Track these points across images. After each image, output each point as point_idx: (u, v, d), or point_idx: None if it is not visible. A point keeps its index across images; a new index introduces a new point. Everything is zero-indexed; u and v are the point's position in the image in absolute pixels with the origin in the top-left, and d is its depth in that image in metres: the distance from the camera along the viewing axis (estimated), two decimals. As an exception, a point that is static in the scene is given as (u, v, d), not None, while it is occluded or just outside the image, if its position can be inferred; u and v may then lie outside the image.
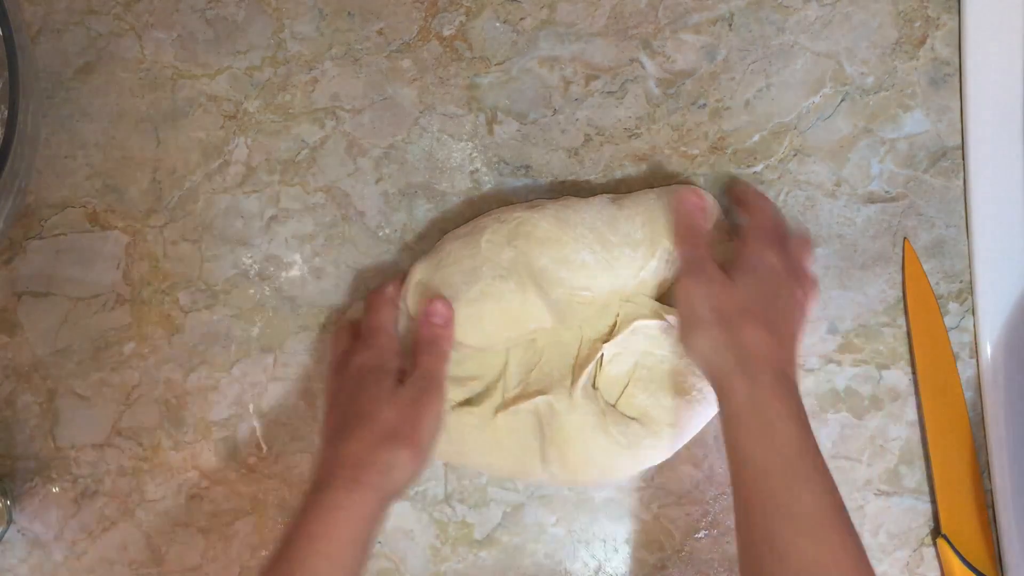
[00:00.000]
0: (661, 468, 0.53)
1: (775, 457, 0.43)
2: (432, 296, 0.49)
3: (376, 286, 0.52)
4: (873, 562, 0.53)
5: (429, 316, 0.49)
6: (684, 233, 0.49)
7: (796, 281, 0.48)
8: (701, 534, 0.54)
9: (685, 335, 0.47)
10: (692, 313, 0.47)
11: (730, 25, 0.53)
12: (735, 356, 0.45)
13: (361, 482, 0.45)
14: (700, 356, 0.47)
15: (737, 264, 0.48)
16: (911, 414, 0.54)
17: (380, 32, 0.53)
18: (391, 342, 0.50)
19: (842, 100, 0.53)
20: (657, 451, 0.50)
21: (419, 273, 0.50)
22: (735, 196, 0.52)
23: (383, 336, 0.50)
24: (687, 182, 0.53)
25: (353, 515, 0.44)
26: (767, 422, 0.44)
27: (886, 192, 0.53)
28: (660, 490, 0.54)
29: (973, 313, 0.53)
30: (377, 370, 0.48)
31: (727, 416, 0.45)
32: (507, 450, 0.50)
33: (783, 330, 0.47)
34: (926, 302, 0.53)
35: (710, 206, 0.51)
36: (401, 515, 0.53)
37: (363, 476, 0.45)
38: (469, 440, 0.50)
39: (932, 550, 0.53)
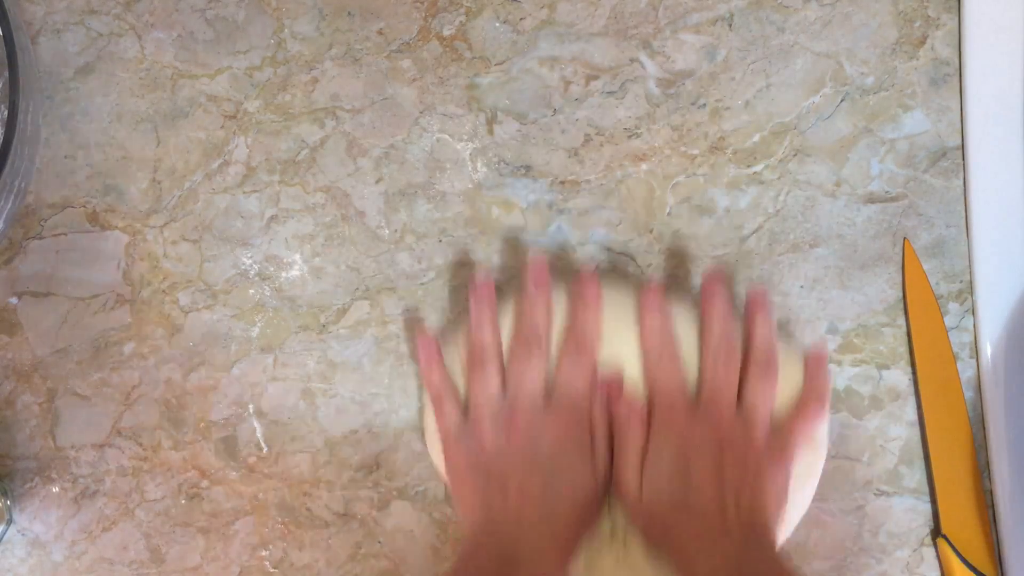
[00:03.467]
0: (661, 468, 0.53)
1: None
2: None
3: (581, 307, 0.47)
4: (873, 562, 0.53)
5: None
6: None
7: (728, 441, 0.45)
8: (701, 534, 0.54)
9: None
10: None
11: (730, 25, 0.53)
12: (674, 562, 0.44)
13: (568, 553, 0.44)
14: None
15: (647, 460, 0.46)
16: (911, 414, 0.54)
17: (380, 32, 0.53)
18: (584, 412, 0.46)
19: (842, 100, 0.53)
20: None
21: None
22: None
23: (583, 404, 0.46)
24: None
25: None
26: None
27: (886, 192, 0.53)
28: (660, 490, 0.54)
29: (973, 313, 0.53)
30: (578, 444, 0.46)
31: None
32: None
33: (716, 511, 0.43)
34: (926, 302, 0.53)
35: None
36: (401, 515, 0.53)
37: (570, 547, 0.44)
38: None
39: (932, 550, 0.53)
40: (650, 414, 0.46)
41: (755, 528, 0.44)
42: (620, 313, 0.48)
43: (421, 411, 0.52)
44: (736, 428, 0.45)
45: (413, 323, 0.53)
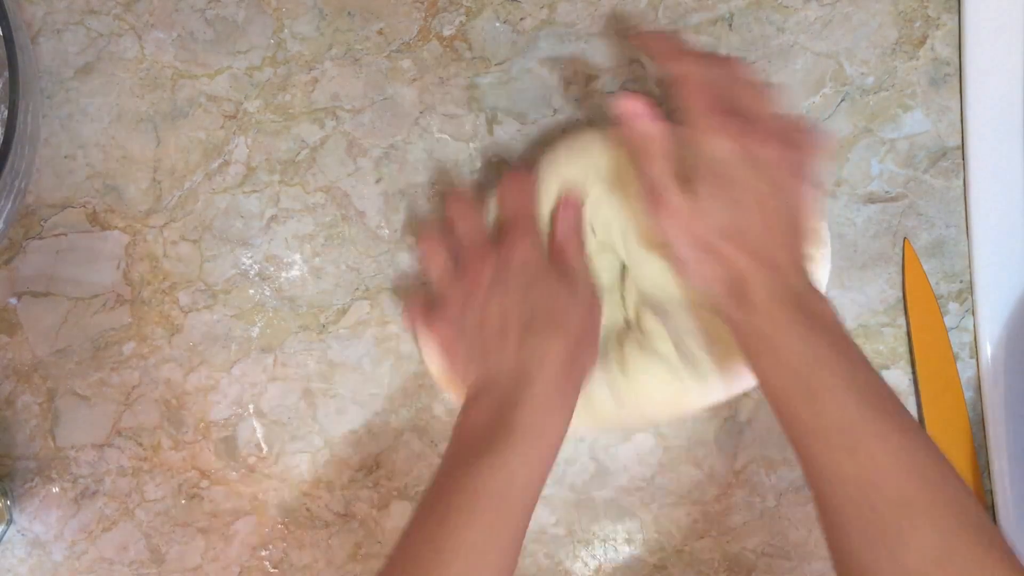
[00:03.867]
0: (661, 468, 0.53)
1: (784, 375, 0.39)
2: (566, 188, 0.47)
3: (508, 170, 0.50)
4: (873, 562, 0.53)
5: (568, 208, 0.46)
6: (636, 159, 0.44)
7: (779, 154, 0.41)
8: (701, 534, 0.54)
9: (679, 276, 0.45)
10: (672, 253, 0.43)
11: (730, 25, 0.53)
12: (726, 289, 0.41)
13: (568, 396, 0.42)
14: (699, 293, 0.44)
15: (694, 170, 0.41)
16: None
17: (380, 32, 0.53)
18: (540, 235, 0.46)
19: (842, 100, 0.53)
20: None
21: (556, 165, 0.48)
22: (652, 55, 0.46)
23: (535, 227, 0.46)
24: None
25: (557, 443, 0.41)
26: (771, 346, 0.39)
27: (886, 192, 0.53)
28: (660, 490, 0.54)
29: (973, 313, 0.53)
30: (546, 267, 0.45)
31: (742, 349, 0.42)
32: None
33: (773, 237, 0.41)
34: (926, 302, 0.53)
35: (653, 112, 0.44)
36: (401, 515, 0.53)
37: (570, 388, 0.42)
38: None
39: (932, 550, 0.53)
40: (697, 127, 0.43)
41: (799, 263, 0.42)
42: (590, 162, 0.48)
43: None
44: (771, 140, 0.41)
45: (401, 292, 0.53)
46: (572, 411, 0.43)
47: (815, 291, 0.41)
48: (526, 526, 0.41)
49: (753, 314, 0.40)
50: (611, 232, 0.48)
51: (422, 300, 0.49)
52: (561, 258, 0.46)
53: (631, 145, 0.44)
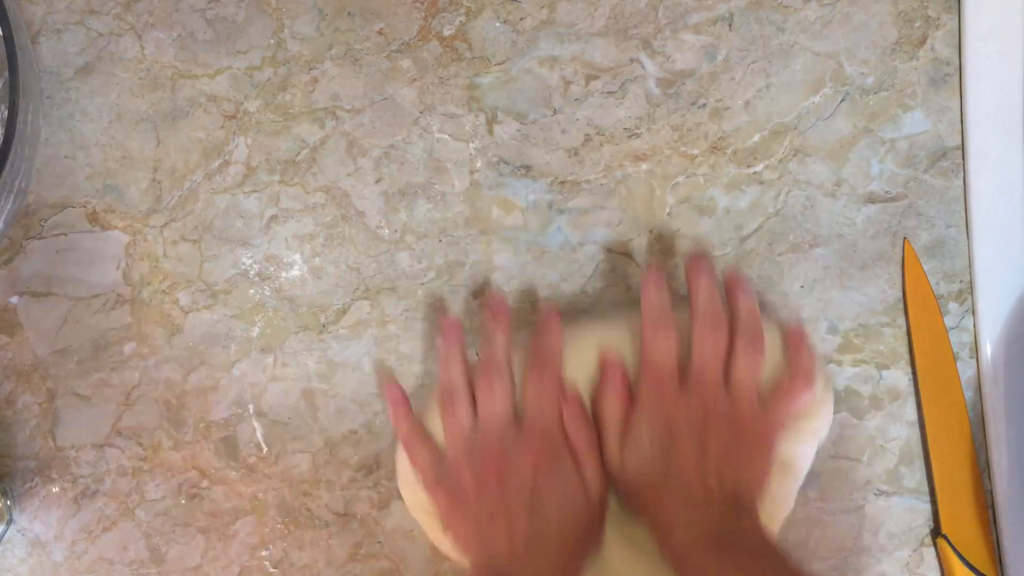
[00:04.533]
0: (661, 468, 0.53)
1: None
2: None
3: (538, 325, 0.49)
4: (873, 562, 0.53)
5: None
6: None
7: (717, 411, 0.44)
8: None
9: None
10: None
11: (730, 25, 0.53)
12: (653, 528, 0.44)
13: None
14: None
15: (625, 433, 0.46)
16: (911, 414, 0.54)
17: (380, 32, 0.53)
18: (556, 424, 0.46)
19: (842, 100, 0.53)
20: None
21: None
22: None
23: (550, 419, 0.46)
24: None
25: None
26: None
27: (886, 192, 0.53)
28: (660, 490, 0.54)
29: (973, 313, 0.53)
30: (561, 452, 0.46)
31: None
32: None
33: (706, 474, 0.43)
34: (926, 302, 0.53)
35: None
36: (401, 515, 0.53)
37: (573, 572, 0.44)
38: None
39: (932, 550, 0.53)
40: (639, 388, 0.46)
41: (739, 501, 0.44)
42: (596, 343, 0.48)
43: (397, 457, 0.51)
44: (722, 402, 0.45)
45: (382, 370, 0.53)
46: None
47: (744, 522, 0.43)
48: None
49: (672, 554, 0.43)
50: None
51: (429, 456, 0.48)
52: (576, 438, 0.46)
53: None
